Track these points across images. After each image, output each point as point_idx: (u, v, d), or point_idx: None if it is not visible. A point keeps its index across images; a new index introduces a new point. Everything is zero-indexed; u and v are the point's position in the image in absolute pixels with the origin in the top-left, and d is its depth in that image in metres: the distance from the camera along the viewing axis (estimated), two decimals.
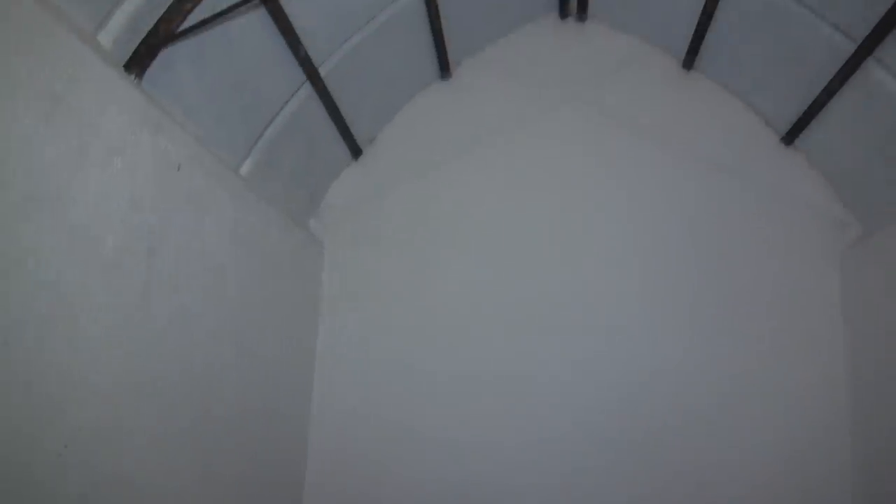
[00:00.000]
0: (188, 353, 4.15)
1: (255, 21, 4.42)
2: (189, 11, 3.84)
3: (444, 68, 6.35)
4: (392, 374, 5.90)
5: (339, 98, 5.54)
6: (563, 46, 6.45)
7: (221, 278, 4.54)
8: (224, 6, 3.89)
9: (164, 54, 3.94)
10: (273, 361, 5.29)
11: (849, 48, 4.72)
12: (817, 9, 4.77)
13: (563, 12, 6.43)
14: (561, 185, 6.10)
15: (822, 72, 5.03)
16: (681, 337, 5.69)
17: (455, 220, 6.20)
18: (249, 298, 4.91)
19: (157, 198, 3.83)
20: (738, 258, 5.79)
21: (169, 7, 3.78)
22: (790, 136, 5.82)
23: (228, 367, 4.61)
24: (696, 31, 5.68)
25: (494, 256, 6.05)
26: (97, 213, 3.33)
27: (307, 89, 5.25)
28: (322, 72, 5.20)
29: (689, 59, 6.06)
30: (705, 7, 5.35)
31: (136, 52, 3.71)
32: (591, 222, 6.01)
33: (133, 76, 3.74)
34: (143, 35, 3.75)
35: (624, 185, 6.04)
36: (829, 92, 5.10)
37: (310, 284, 6.08)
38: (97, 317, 3.32)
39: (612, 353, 5.72)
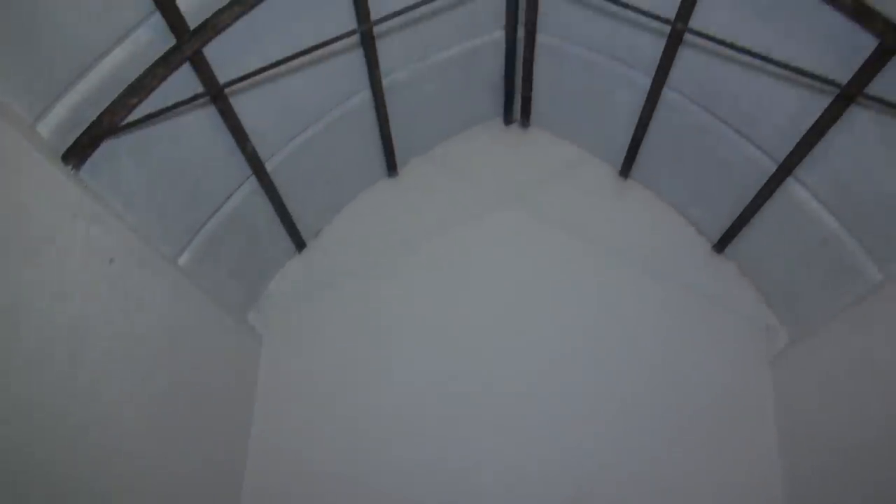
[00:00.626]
0: (108, 454, 3.90)
1: (203, 116, 4.46)
2: (135, 106, 3.85)
3: (392, 166, 6.49)
4: (329, 476, 5.65)
5: (284, 192, 5.56)
6: (506, 150, 6.70)
7: (151, 373, 4.35)
8: (171, 101, 3.91)
9: (108, 145, 3.92)
10: (202, 460, 5.01)
11: (771, 167, 5.03)
12: (742, 130, 5.10)
13: (508, 118, 6.72)
14: (503, 286, 6.17)
15: (749, 186, 5.33)
16: (618, 438, 5.66)
17: (397, 317, 6.16)
18: (180, 394, 4.70)
19: (86, 290, 3.70)
20: (675, 361, 5.88)
21: (114, 100, 3.78)
22: (721, 245, 6.08)
23: (154, 466, 4.35)
24: (631, 142, 6.00)
25: (436, 355, 5.99)
26: (18, 304, 3.19)
27: (252, 183, 5.26)
28: (268, 167, 5.24)
29: (626, 168, 6.35)
30: (640, 120, 5.67)
31: (75, 143, 3.68)
32: (530, 323, 6.04)
33: (70, 167, 3.68)
34: (86, 126, 3.74)
35: (563, 287, 6.14)
36: (756, 205, 5.40)
37: (245, 380, 5.87)
38: (13, 413, 3.12)
39: (551, 453, 5.63)
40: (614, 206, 6.42)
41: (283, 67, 3.94)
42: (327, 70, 4.99)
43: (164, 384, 4.49)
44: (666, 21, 3.84)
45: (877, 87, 3.81)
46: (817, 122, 4.33)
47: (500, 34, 5.77)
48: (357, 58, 5.12)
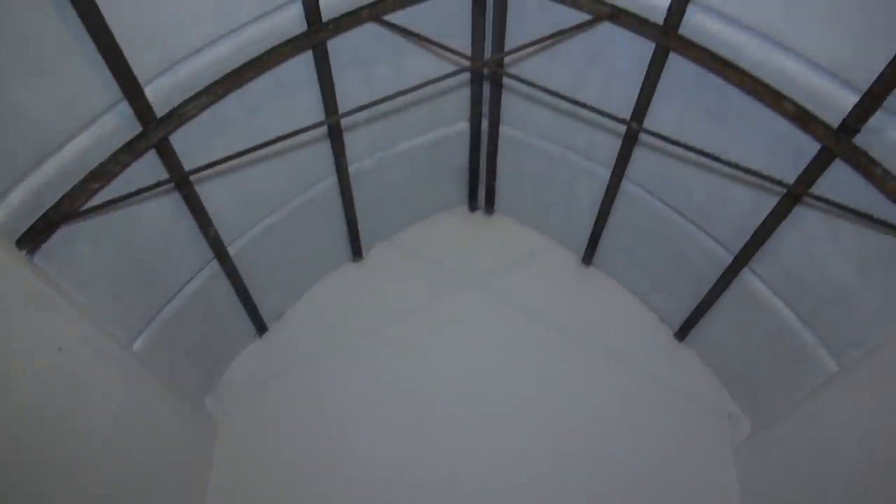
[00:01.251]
0: None
1: (166, 201, 4.45)
2: (96, 191, 3.83)
3: (356, 251, 6.50)
4: None
5: (247, 275, 5.51)
6: (471, 236, 6.79)
7: (100, 463, 4.15)
8: (135, 187, 3.90)
9: (66, 229, 3.86)
10: None
11: (727, 258, 5.17)
12: (698, 222, 5.26)
13: (473, 205, 6.84)
14: (466, 373, 6.11)
15: (707, 277, 5.45)
16: None
17: (359, 402, 6.03)
18: (131, 483, 4.47)
19: (34, 378, 3.56)
20: (638, 450, 5.81)
21: (75, 185, 3.76)
22: (682, 333, 6.15)
23: None
24: (593, 230, 6.14)
25: (399, 443, 5.83)
26: None
27: (214, 267, 5.21)
28: (231, 251, 5.21)
29: (588, 256, 6.47)
30: (601, 210, 5.83)
31: (31, 228, 3.62)
32: (493, 409, 5.96)
33: (24, 252, 3.61)
34: (44, 210, 3.69)
35: (526, 374, 6.11)
36: (714, 295, 5.51)
37: (200, 468, 5.62)
38: None
39: None
40: (577, 293, 6.49)
41: (249, 156, 4.00)
42: (294, 158, 5.06)
43: (114, 473, 4.27)
44: (621, 121, 4.01)
45: (822, 187, 4.00)
46: (767, 218, 4.49)
47: (464, 126, 5.95)
48: (324, 146, 5.22)
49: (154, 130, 3.86)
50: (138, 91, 3.66)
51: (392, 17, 4.42)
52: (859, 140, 3.68)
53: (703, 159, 4.50)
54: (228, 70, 4.01)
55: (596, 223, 6.05)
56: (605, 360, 6.12)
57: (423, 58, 5.01)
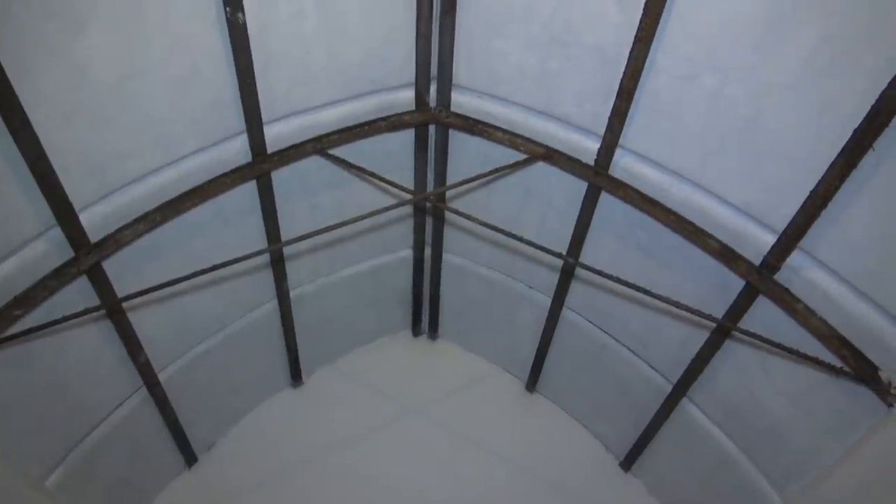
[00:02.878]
0: None
1: (95, 327, 4.30)
2: (19, 317, 3.68)
3: (296, 376, 6.32)
4: None
5: (177, 403, 5.26)
6: (414, 362, 6.70)
7: None
8: (62, 312, 3.77)
9: None
10: None
11: (666, 387, 5.21)
12: (636, 350, 5.32)
13: (416, 330, 6.81)
14: (407, 498, 5.83)
15: (648, 405, 5.45)
16: None
17: None
18: None
19: None
20: None
21: None
22: (628, 462, 6.05)
23: None
24: (536, 356, 6.14)
25: None
26: None
27: (142, 394, 4.96)
28: (162, 377, 4.99)
29: (532, 382, 6.43)
30: (543, 336, 5.87)
31: None
32: None
33: None
34: None
35: (470, 502, 5.87)
36: (657, 424, 5.49)
37: None
38: None
39: None
40: (522, 420, 6.39)
41: (185, 284, 3.93)
42: (233, 284, 5.00)
43: None
44: (557, 255, 4.12)
45: (750, 321, 4.13)
46: (701, 349, 4.58)
47: (408, 253, 6.03)
48: (265, 273, 5.19)
49: (87, 256, 3.79)
50: (72, 217, 3.61)
51: (337, 151, 4.57)
52: (781, 277, 3.86)
53: (637, 293, 4.64)
54: (168, 198, 4.02)
55: (539, 349, 6.06)
56: (551, 490, 5.94)
57: (367, 189, 5.14)
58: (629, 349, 5.38)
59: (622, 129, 4.10)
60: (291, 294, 5.51)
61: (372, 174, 4.44)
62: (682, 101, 3.78)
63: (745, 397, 4.60)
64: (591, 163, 4.37)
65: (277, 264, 5.11)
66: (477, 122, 4.62)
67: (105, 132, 3.54)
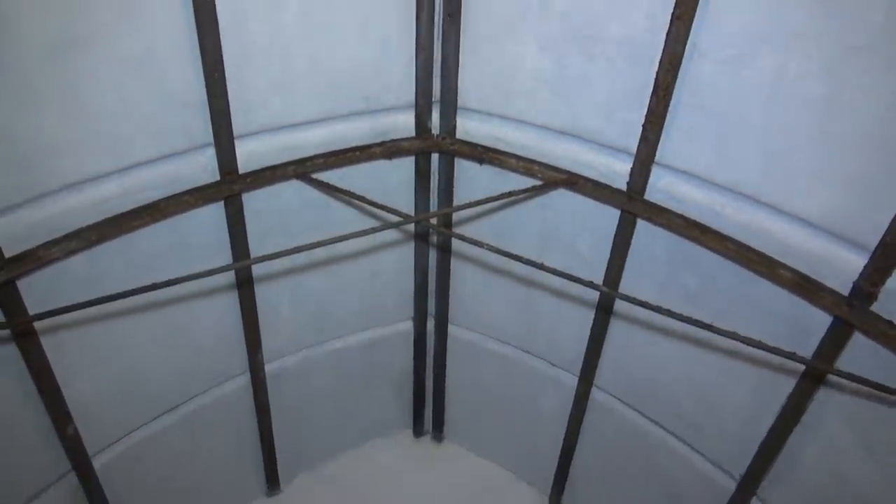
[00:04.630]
0: None
1: (10, 380, 3.43)
2: None
3: (272, 482, 5.24)
4: None
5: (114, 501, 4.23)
6: (415, 466, 5.60)
7: None
8: None
9: None
10: None
11: (729, 485, 4.11)
12: (687, 437, 4.29)
13: (418, 429, 5.77)
14: None
15: None
16: None
17: None
18: None
19: None
20: None
21: None
22: None
23: None
24: (560, 459, 5.07)
25: None
26: None
27: (71, 482, 3.96)
28: (96, 462, 4.01)
29: (557, 494, 5.28)
30: (568, 428, 4.85)
31: None
32: None
33: None
34: None
35: None
36: None
37: None
38: None
39: None
40: None
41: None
42: (193, 340, 4.16)
43: None
44: (594, 286, 3.29)
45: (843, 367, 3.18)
46: (774, 425, 3.57)
47: (407, 326, 5.17)
48: (234, 335, 4.34)
49: None
50: None
51: (321, 176, 3.90)
52: (880, 307, 2.98)
53: (690, 348, 3.74)
54: (113, 213, 3.31)
55: (564, 447, 5.00)
56: None
57: (358, 219, 4.40)
58: (677, 437, 4.33)
59: (659, 138, 3.42)
60: (267, 368, 4.62)
61: (370, 202, 3.73)
62: (734, 90, 3.12)
63: (834, 483, 3.53)
64: (624, 187, 3.65)
65: (250, 328, 4.27)
66: (487, 149, 3.98)
67: (32, 115, 2.91)
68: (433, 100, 4.01)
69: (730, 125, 3.21)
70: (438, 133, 4.07)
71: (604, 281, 4.02)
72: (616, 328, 4.25)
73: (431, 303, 5.00)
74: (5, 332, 3.18)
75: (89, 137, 3.13)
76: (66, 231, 3.19)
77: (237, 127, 3.53)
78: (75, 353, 3.59)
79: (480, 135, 4.01)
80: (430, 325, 5.13)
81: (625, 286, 4.02)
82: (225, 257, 3.91)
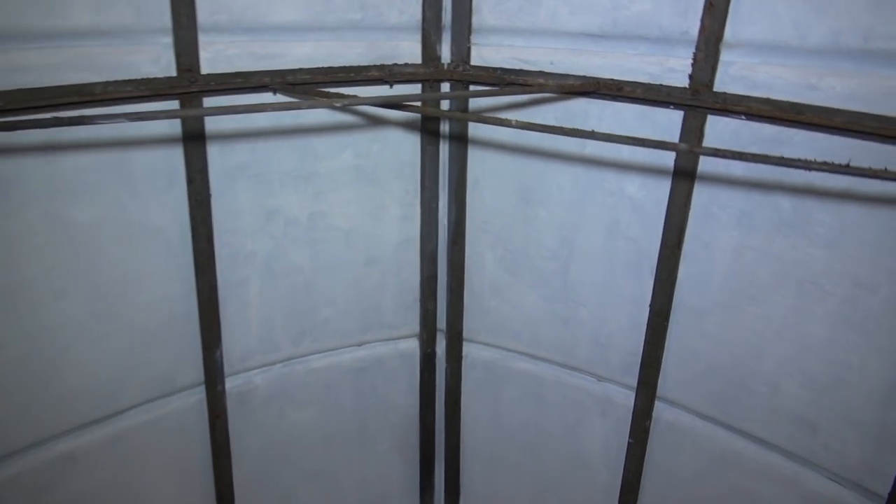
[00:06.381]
0: None
1: None
2: None
3: None
4: None
5: None
6: None
7: None
8: None
9: None
10: None
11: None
12: (808, 455, 3.11)
13: (427, 498, 4.44)
14: None
15: None
16: None
17: None
18: None
19: None
20: None
21: None
22: None
23: None
24: None
25: None
26: None
27: None
28: None
29: None
30: (625, 481, 3.64)
31: None
32: None
33: None
34: None
35: None
36: None
37: None
38: None
39: None
40: None
41: None
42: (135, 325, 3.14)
43: None
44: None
45: None
46: None
47: (411, 345, 4.10)
48: (183, 322, 3.33)
49: None
50: None
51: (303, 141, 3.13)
52: None
53: (798, 310, 2.78)
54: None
55: (623, 498, 3.75)
56: None
57: (352, 195, 3.56)
58: (783, 452, 3.16)
59: (728, 4, 2.73)
60: (228, 384, 3.53)
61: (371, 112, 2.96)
62: None
63: None
64: (686, 83, 2.90)
65: (207, 309, 3.27)
66: (508, 70, 3.28)
67: None
68: (442, 20, 3.38)
69: None
70: (451, 61, 3.40)
71: (663, 234, 3.14)
72: (684, 301, 3.25)
73: (442, 309, 4.00)
74: None
75: None
76: None
77: (202, 14, 2.86)
78: None
79: (500, 58, 3.33)
80: (443, 347, 4.08)
81: (692, 233, 3.13)
82: (179, 192, 3.05)
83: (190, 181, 3.02)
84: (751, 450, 3.27)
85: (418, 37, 3.37)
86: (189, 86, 2.86)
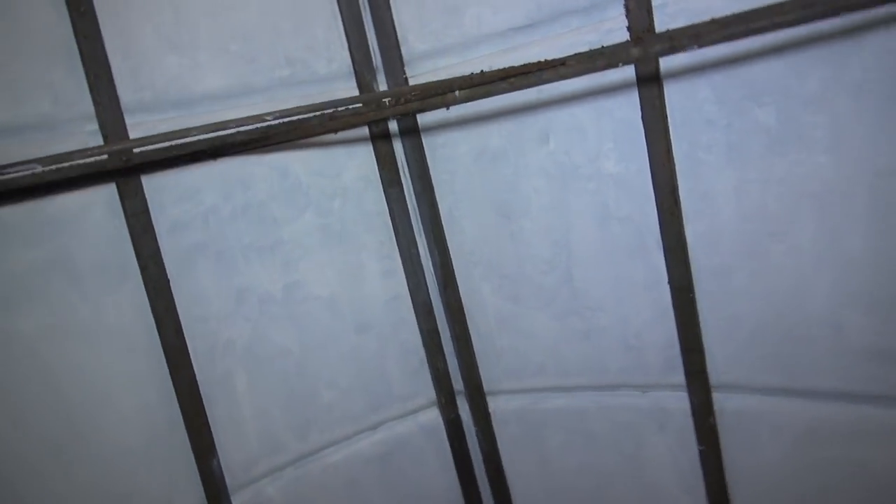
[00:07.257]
0: None
1: None
2: None
3: None
4: None
5: None
6: None
7: None
8: None
9: None
10: None
11: None
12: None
13: None
14: None
15: None
16: None
17: None
18: None
19: None
20: None
21: None
22: None
23: None
24: None
25: None
26: None
27: None
28: None
29: None
30: (710, 493, 3.12)
31: None
32: None
33: None
34: None
35: None
36: None
37: None
38: None
39: None
40: None
41: None
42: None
43: None
44: None
45: None
46: None
47: (432, 417, 3.67)
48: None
49: None
50: None
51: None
52: None
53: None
54: None
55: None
56: None
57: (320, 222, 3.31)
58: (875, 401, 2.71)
59: None
60: (235, 500, 3.08)
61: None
62: None
63: None
64: (625, 36, 2.80)
65: (193, 417, 2.91)
66: (443, 81, 3.17)
67: None
68: (373, 60, 3.33)
69: None
70: (387, 90, 3.31)
71: (656, 198, 2.91)
72: (702, 265, 2.94)
73: (453, 364, 3.62)
74: None
75: None
76: None
77: (124, 93, 2.78)
78: None
79: (439, 80, 3.24)
80: (466, 413, 3.66)
81: (685, 188, 2.89)
82: (134, 283, 2.80)
83: (143, 269, 2.79)
84: (835, 410, 2.82)
85: (353, 82, 3.30)
86: (126, 164, 2.71)
